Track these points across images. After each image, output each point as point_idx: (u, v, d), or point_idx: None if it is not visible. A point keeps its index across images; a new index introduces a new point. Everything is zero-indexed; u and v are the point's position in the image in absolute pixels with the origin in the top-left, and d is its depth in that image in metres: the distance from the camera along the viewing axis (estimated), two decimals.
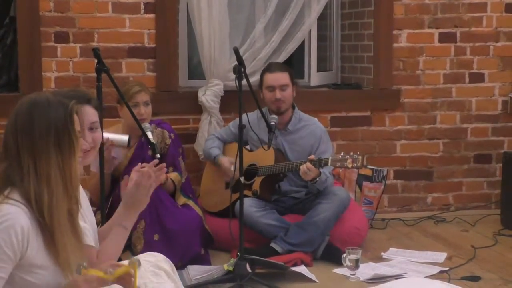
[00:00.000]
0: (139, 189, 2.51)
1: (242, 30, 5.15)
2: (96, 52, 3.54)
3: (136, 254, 3.16)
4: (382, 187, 4.99)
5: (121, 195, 2.62)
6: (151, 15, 4.85)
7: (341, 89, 5.37)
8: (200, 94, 4.86)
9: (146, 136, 3.84)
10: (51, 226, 2.04)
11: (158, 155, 3.81)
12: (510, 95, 5.36)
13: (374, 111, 5.24)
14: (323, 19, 5.56)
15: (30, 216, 2.02)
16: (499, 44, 5.34)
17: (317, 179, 4.12)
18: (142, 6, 4.83)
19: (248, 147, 4.47)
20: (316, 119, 4.60)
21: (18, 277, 2.03)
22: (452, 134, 5.34)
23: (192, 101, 4.90)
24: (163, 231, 3.93)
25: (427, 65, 5.27)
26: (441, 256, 4.30)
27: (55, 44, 4.73)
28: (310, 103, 4.99)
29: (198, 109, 4.88)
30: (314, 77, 5.47)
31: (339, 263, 4.03)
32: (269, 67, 4.44)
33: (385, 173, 4.99)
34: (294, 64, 5.52)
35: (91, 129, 2.56)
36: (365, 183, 4.98)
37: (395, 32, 5.20)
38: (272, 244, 4.19)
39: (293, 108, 4.44)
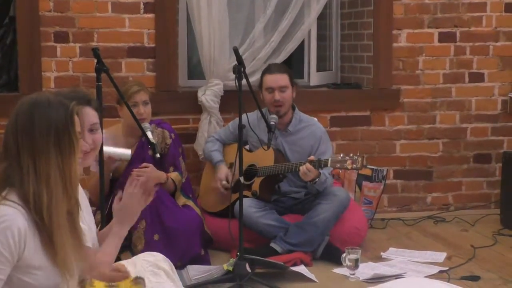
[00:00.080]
0: (132, 199, 2.50)
1: (241, 29, 5.14)
2: (95, 52, 3.54)
3: (136, 254, 3.15)
4: (382, 187, 4.99)
5: (112, 209, 2.61)
6: (151, 15, 4.85)
7: (341, 89, 5.37)
8: (199, 94, 4.86)
9: (146, 136, 3.83)
10: (50, 227, 2.03)
11: (158, 155, 3.81)
12: (509, 95, 5.36)
13: (374, 111, 5.24)
14: (322, 19, 5.56)
15: (28, 217, 2.02)
16: (498, 44, 5.34)
17: (317, 179, 4.12)
18: (142, 6, 4.83)
19: (247, 147, 4.47)
20: (316, 119, 4.60)
21: (16, 278, 2.03)
22: (451, 134, 5.35)
23: (191, 101, 4.90)
24: (164, 231, 3.93)
25: (427, 65, 5.27)
26: (441, 256, 4.30)
27: (55, 44, 4.73)
28: (309, 103, 4.99)
29: (197, 109, 4.88)
30: (314, 77, 5.47)
31: (338, 263, 4.03)
32: (269, 68, 4.43)
33: (384, 173, 4.99)
34: (293, 64, 5.52)
35: (91, 130, 2.55)
36: (364, 183, 4.98)
37: (394, 32, 5.20)
38: (272, 244, 4.19)
39: (293, 109, 4.44)
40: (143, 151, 4.08)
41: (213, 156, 4.47)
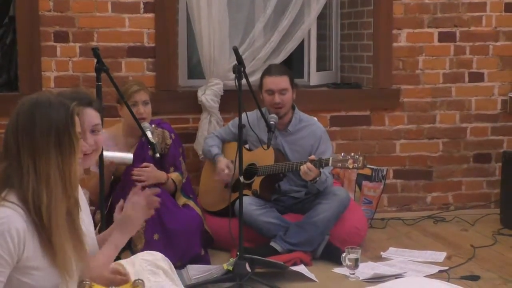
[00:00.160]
0: (135, 211, 2.47)
1: (241, 29, 5.14)
2: (95, 52, 3.54)
3: (136, 253, 3.15)
4: (382, 186, 4.99)
5: (114, 218, 2.59)
6: (151, 15, 4.85)
7: (341, 88, 5.37)
8: (199, 93, 4.86)
9: (146, 136, 3.83)
10: (49, 227, 2.03)
11: (158, 155, 3.81)
12: (509, 95, 5.36)
13: (374, 111, 5.24)
14: (322, 19, 5.56)
15: (26, 218, 2.02)
16: (498, 43, 5.34)
17: (317, 179, 4.12)
18: (142, 6, 4.83)
19: (247, 146, 4.47)
20: (315, 118, 4.60)
21: (15, 279, 2.03)
22: (451, 134, 5.35)
23: (191, 101, 4.90)
24: (164, 231, 3.93)
25: (427, 64, 5.27)
26: (441, 256, 4.30)
27: (55, 44, 4.73)
28: (309, 103, 4.99)
29: (197, 108, 4.88)
30: (314, 77, 5.47)
31: (338, 262, 4.03)
32: (269, 70, 4.41)
33: (384, 172, 4.99)
34: (293, 64, 5.52)
35: (93, 131, 2.53)
36: (364, 183, 4.98)
37: (394, 31, 5.20)
38: (272, 243, 4.19)
39: (293, 109, 4.44)
40: (143, 151, 4.08)
41: (212, 150, 4.47)
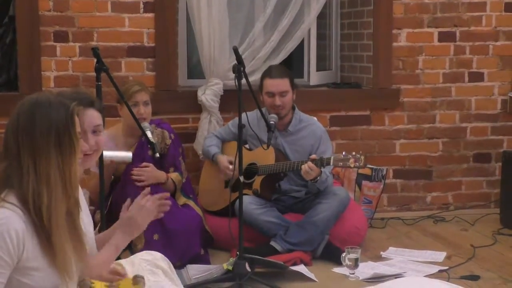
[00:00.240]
0: (140, 213, 2.46)
1: (241, 29, 5.14)
2: (95, 52, 3.54)
3: (136, 253, 3.15)
4: (382, 186, 4.99)
5: (120, 217, 2.56)
6: (151, 15, 4.85)
7: (341, 88, 5.37)
8: (199, 93, 4.86)
9: (146, 136, 3.83)
10: (49, 227, 2.03)
11: (157, 155, 3.81)
12: (509, 94, 5.36)
13: (374, 111, 5.24)
14: (322, 18, 5.55)
15: (25, 219, 2.02)
16: (498, 43, 5.34)
17: (318, 178, 4.12)
18: (142, 6, 4.83)
19: (247, 146, 4.47)
20: (315, 118, 4.60)
21: (15, 280, 2.03)
22: (451, 134, 5.35)
23: (191, 100, 4.90)
24: (163, 231, 3.93)
25: (427, 64, 5.27)
26: (441, 255, 4.30)
27: (55, 44, 4.73)
28: (309, 102, 4.99)
29: (197, 108, 4.88)
30: (314, 76, 5.47)
31: (338, 262, 4.03)
32: (270, 72, 4.40)
33: (384, 172, 4.99)
34: (293, 63, 5.52)
35: (94, 132, 2.52)
36: (364, 182, 4.98)
37: (394, 31, 5.20)
38: (272, 243, 4.19)
39: (293, 109, 4.44)
40: (143, 151, 4.08)
41: (210, 150, 4.47)
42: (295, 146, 4.39)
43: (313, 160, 4.04)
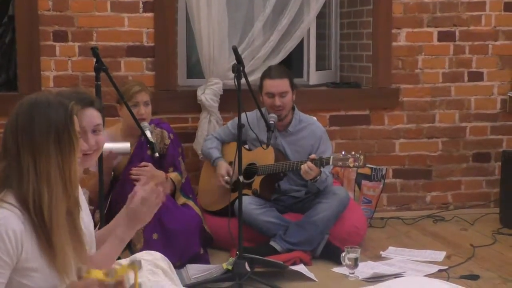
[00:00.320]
0: (145, 205, 2.43)
1: (240, 28, 5.14)
2: (95, 51, 3.54)
3: (136, 253, 3.15)
4: (381, 186, 4.99)
5: (125, 208, 2.53)
6: (150, 14, 4.84)
7: (340, 88, 5.36)
8: (199, 93, 4.86)
9: (145, 136, 3.83)
10: (50, 227, 2.03)
11: (157, 155, 3.81)
12: (509, 94, 5.36)
13: (373, 110, 5.24)
14: (322, 18, 5.55)
15: (24, 219, 2.01)
16: (498, 43, 5.34)
17: (318, 178, 4.12)
18: (141, 5, 4.83)
19: (247, 146, 4.47)
20: (315, 118, 4.60)
21: (15, 281, 2.03)
22: (451, 133, 5.35)
23: (191, 100, 4.90)
24: (163, 230, 3.93)
25: (426, 64, 5.27)
26: (440, 255, 4.30)
27: (54, 43, 4.73)
28: (309, 102, 4.99)
29: (197, 108, 4.88)
30: (313, 76, 5.47)
31: (338, 262, 4.03)
32: (269, 73, 4.39)
33: (384, 172, 4.99)
34: (293, 63, 5.52)
35: (94, 131, 2.51)
36: (364, 182, 4.98)
37: (394, 31, 5.20)
38: (272, 243, 4.19)
39: (293, 109, 4.44)
40: (142, 151, 4.08)
41: (212, 153, 4.47)
42: (295, 146, 4.39)
43: (312, 160, 4.04)
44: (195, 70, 5.28)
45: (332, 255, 4.17)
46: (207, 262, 4.07)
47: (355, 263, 3.89)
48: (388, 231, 4.92)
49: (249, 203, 4.18)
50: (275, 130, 4.24)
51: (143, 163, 4.02)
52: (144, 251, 2.80)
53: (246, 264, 3.71)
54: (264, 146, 4.07)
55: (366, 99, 5.25)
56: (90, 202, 4.00)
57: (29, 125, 2.04)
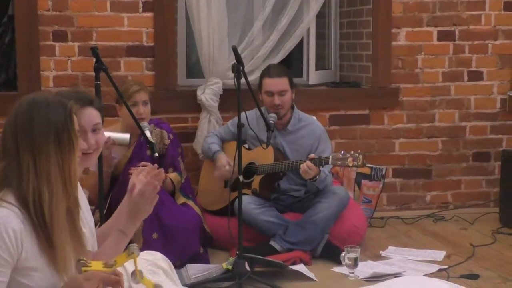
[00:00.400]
0: (143, 198, 2.43)
1: (240, 28, 5.14)
2: (94, 51, 3.54)
3: None
4: (381, 185, 4.99)
5: (125, 200, 2.54)
6: (150, 14, 4.84)
7: (340, 87, 5.36)
8: (199, 92, 4.86)
9: (145, 135, 3.83)
10: (50, 226, 2.03)
11: (156, 154, 3.80)
12: (508, 93, 5.36)
13: (373, 110, 5.24)
14: (321, 17, 5.55)
15: (23, 218, 2.02)
16: (497, 42, 5.34)
17: (317, 177, 4.12)
18: (141, 5, 4.83)
19: (246, 145, 4.47)
20: (314, 118, 4.60)
21: (15, 281, 2.03)
22: (450, 132, 5.35)
23: (190, 100, 4.90)
24: (162, 230, 3.93)
25: (426, 63, 5.27)
26: (440, 254, 4.30)
27: (54, 43, 4.73)
28: (308, 102, 4.99)
29: (196, 107, 4.88)
30: (313, 76, 5.47)
31: (338, 261, 4.03)
32: (268, 71, 4.40)
33: (383, 171, 4.99)
34: (292, 63, 5.52)
35: (94, 130, 2.51)
36: (364, 182, 4.98)
37: (393, 30, 5.20)
38: (271, 242, 4.19)
39: (292, 108, 4.44)
40: (142, 151, 4.08)
41: (212, 147, 4.47)
42: (294, 145, 4.39)
43: (311, 160, 4.04)
44: (194, 70, 5.28)
45: (332, 254, 4.17)
46: (207, 261, 4.07)
47: (355, 262, 3.89)
48: (388, 230, 4.92)
49: (249, 203, 4.18)
50: (274, 129, 4.23)
51: (142, 163, 4.02)
52: (145, 251, 2.80)
53: (246, 264, 3.71)
54: (264, 145, 4.07)
55: (365, 99, 5.25)
56: (90, 202, 3.99)
57: (28, 125, 2.04)
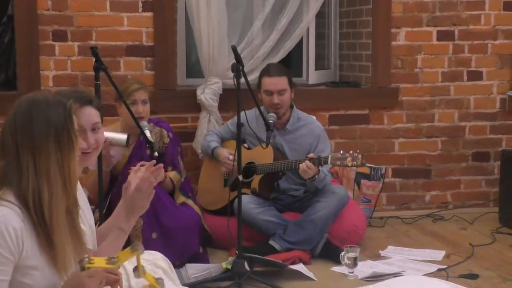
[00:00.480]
0: (139, 194, 2.45)
1: (239, 28, 5.14)
2: (94, 51, 3.54)
3: None
4: (380, 185, 4.99)
5: (122, 199, 2.55)
6: (149, 14, 4.84)
7: (340, 87, 5.36)
8: (198, 92, 4.86)
9: (145, 135, 3.83)
10: (50, 225, 2.03)
11: (156, 154, 3.80)
12: (508, 93, 5.36)
13: (373, 109, 5.24)
14: (321, 17, 5.55)
15: (23, 217, 2.02)
16: (497, 42, 5.34)
17: (316, 177, 4.12)
18: (140, 5, 4.83)
19: (246, 145, 4.47)
20: (314, 117, 4.61)
21: (15, 281, 2.03)
22: (450, 132, 5.35)
23: (190, 100, 4.90)
24: (162, 230, 3.93)
25: (426, 63, 5.27)
26: (439, 254, 4.31)
27: (53, 43, 4.73)
28: (308, 102, 4.99)
29: (196, 107, 4.88)
30: (312, 75, 5.47)
31: (337, 261, 4.03)
32: (268, 71, 4.41)
33: (383, 171, 4.99)
34: (292, 62, 5.52)
35: (93, 129, 2.51)
36: (363, 181, 4.98)
37: (393, 30, 5.20)
38: (271, 242, 4.19)
39: (291, 108, 4.44)
40: (141, 150, 4.08)
41: (211, 144, 4.47)
42: (293, 144, 4.40)
43: (311, 159, 4.05)
44: (194, 70, 5.28)
45: (331, 254, 4.18)
46: (206, 261, 4.07)
47: (354, 262, 3.89)
48: (388, 230, 4.93)
49: (248, 203, 4.19)
50: (274, 129, 4.23)
51: (141, 163, 3.99)
52: (145, 251, 2.80)
53: (246, 263, 3.71)
54: (264, 145, 4.07)
55: (365, 99, 5.25)
56: (90, 202, 3.99)
57: (28, 124, 2.04)
